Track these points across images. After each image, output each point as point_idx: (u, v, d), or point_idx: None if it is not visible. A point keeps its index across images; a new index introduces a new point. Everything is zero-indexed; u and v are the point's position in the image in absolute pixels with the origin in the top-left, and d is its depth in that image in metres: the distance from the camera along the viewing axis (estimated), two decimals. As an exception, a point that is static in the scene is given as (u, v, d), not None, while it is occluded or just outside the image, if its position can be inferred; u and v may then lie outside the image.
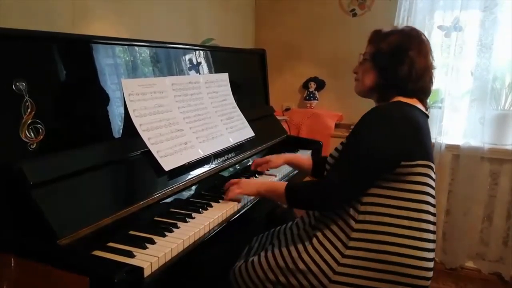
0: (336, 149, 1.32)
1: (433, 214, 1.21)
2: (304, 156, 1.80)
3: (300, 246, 1.28)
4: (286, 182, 1.30)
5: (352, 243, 1.19)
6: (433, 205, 1.22)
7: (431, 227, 1.20)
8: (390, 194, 1.17)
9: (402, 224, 1.16)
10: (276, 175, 1.72)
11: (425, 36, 1.30)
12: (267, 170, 1.71)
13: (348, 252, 1.19)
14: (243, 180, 1.42)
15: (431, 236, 1.19)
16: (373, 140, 1.17)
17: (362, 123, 1.21)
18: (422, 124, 1.21)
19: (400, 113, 1.20)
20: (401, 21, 2.49)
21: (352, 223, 1.20)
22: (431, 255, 1.19)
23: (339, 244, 1.21)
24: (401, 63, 1.23)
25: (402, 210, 1.16)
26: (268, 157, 1.70)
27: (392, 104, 1.24)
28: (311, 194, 1.22)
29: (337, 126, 2.85)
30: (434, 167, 1.23)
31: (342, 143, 1.30)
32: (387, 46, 1.26)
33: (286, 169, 1.79)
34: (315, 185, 1.26)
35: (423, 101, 1.30)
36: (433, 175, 1.22)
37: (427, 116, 1.29)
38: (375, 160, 1.16)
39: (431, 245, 1.19)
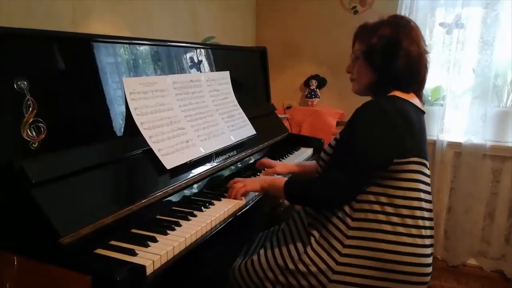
0: (329, 144, 1.31)
1: (428, 210, 1.21)
2: (309, 162, 1.78)
3: (299, 246, 1.27)
4: (287, 178, 1.32)
5: (349, 242, 1.19)
6: (427, 201, 1.22)
7: (427, 223, 1.20)
8: (384, 192, 1.17)
9: (396, 222, 1.16)
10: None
11: (414, 22, 1.26)
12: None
13: (346, 251, 1.19)
14: (245, 179, 1.44)
15: (427, 232, 1.19)
16: (369, 140, 1.15)
17: (356, 121, 1.19)
18: (415, 121, 1.20)
19: (394, 109, 1.17)
20: (403, 19, 2.47)
21: (349, 221, 1.20)
22: (428, 250, 1.19)
23: (337, 244, 1.20)
24: (396, 56, 1.20)
25: (395, 207, 1.16)
26: (274, 163, 1.70)
27: (386, 99, 1.22)
28: (309, 191, 1.22)
29: (338, 124, 2.84)
30: (427, 164, 1.22)
31: (336, 139, 1.29)
32: (378, 41, 1.22)
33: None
34: (314, 183, 1.25)
35: (419, 93, 1.28)
36: (427, 171, 1.22)
37: (423, 112, 1.27)
38: (371, 160, 1.15)
39: (427, 241, 1.19)
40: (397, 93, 1.23)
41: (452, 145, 2.53)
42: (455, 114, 2.55)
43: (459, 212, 2.54)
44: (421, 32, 1.26)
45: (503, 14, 2.31)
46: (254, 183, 1.42)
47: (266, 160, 1.73)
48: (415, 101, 1.25)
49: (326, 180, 1.20)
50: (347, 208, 1.20)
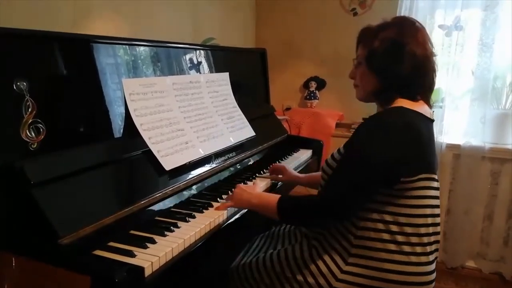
0: (332, 156, 1.24)
1: (435, 225, 1.16)
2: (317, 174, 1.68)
3: (299, 256, 1.25)
4: (280, 196, 1.21)
5: (351, 260, 1.15)
6: (435, 215, 1.16)
7: (433, 238, 1.15)
8: (389, 210, 1.12)
9: (400, 241, 1.11)
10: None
11: (419, 23, 1.19)
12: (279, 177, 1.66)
13: (348, 268, 1.15)
14: (237, 190, 1.31)
15: (433, 247, 1.15)
16: (371, 152, 1.09)
17: (359, 134, 1.13)
18: (425, 135, 1.12)
19: (401, 123, 1.10)
20: (402, 20, 2.48)
21: (352, 238, 1.15)
22: (432, 267, 1.15)
23: (338, 260, 1.17)
24: (401, 60, 1.12)
25: (400, 226, 1.11)
26: (283, 166, 1.67)
27: (393, 112, 1.14)
28: (306, 211, 1.15)
29: (337, 125, 2.85)
30: (436, 177, 1.16)
31: (339, 151, 1.23)
32: (380, 44, 1.15)
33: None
34: (311, 202, 1.16)
35: (428, 99, 1.22)
36: (435, 184, 1.16)
37: (432, 121, 1.20)
38: (373, 174, 1.08)
39: (431, 257, 1.15)
40: (404, 103, 1.15)
41: (451, 147, 2.53)
42: (454, 116, 2.55)
43: (458, 214, 2.54)
44: (428, 34, 1.19)
45: (503, 16, 2.31)
46: (242, 200, 1.28)
47: (276, 166, 1.69)
48: (424, 109, 1.18)
49: (325, 201, 1.13)
50: (351, 227, 1.16)
